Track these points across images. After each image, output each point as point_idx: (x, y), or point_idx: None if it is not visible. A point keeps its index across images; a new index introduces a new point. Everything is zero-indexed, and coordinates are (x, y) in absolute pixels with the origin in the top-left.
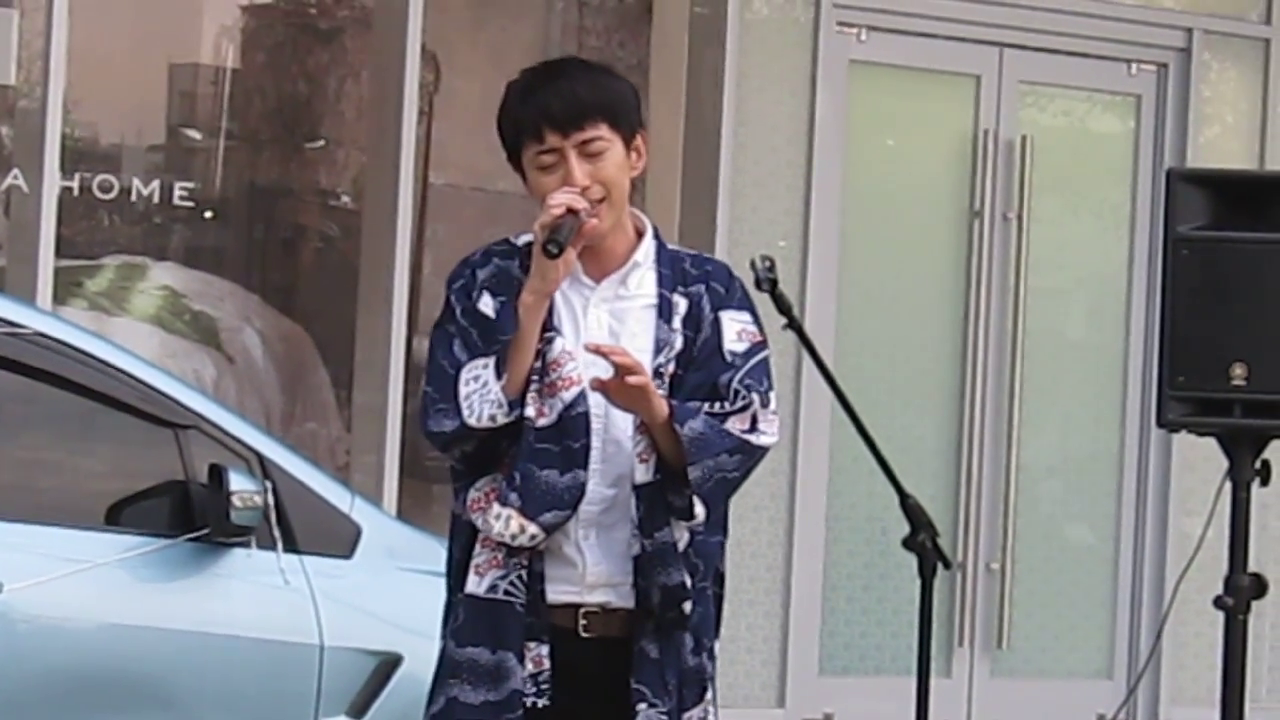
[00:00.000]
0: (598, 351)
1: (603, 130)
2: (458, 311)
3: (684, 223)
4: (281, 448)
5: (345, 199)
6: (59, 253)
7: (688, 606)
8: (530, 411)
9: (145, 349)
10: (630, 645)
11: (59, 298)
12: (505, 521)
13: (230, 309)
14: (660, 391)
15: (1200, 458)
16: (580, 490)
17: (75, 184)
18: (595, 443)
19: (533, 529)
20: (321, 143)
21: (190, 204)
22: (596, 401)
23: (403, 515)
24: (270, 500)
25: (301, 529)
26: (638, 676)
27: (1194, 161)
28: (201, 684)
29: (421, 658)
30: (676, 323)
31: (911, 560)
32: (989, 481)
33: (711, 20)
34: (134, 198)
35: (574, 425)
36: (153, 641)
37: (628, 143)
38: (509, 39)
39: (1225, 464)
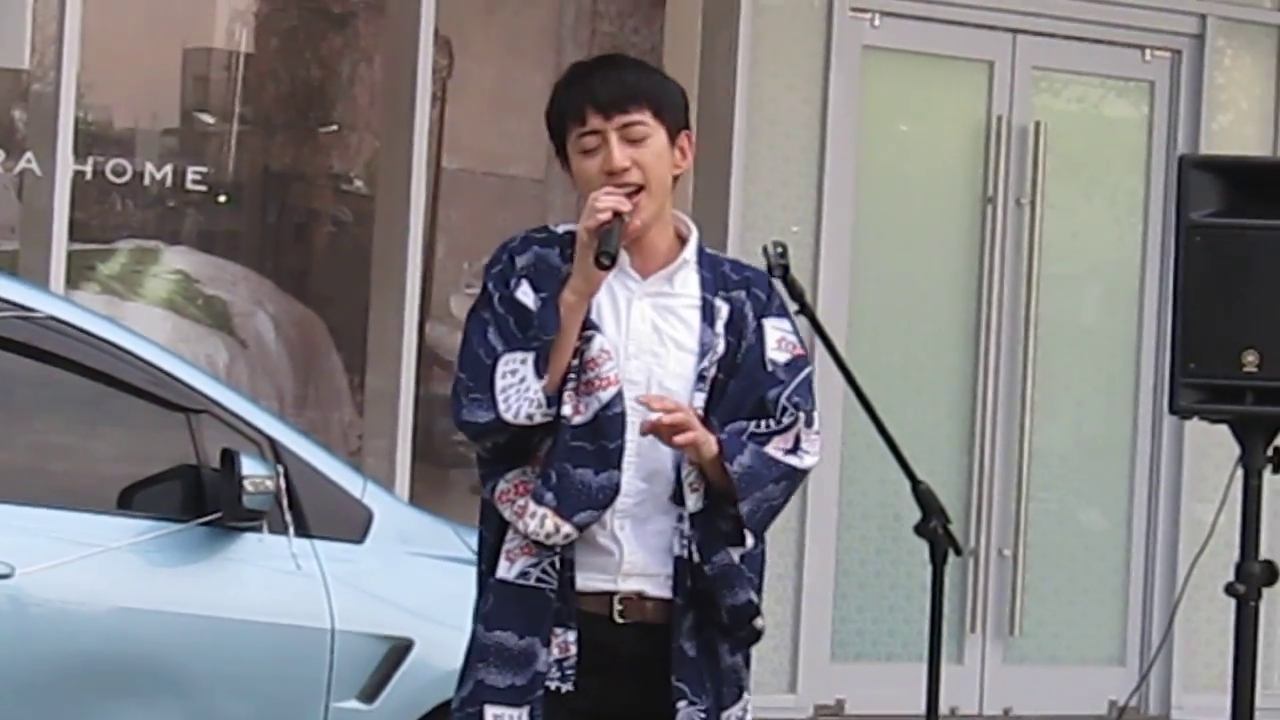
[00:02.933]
0: (648, 407)
1: (646, 116)
2: (495, 299)
3: (697, 208)
4: (293, 432)
5: (358, 184)
6: (72, 237)
7: (759, 623)
8: (566, 409)
9: (158, 333)
10: (665, 632)
11: (72, 282)
12: (541, 521)
13: (243, 293)
14: (701, 395)
15: (1213, 444)
16: (614, 490)
17: (88, 168)
18: (630, 438)
19: (567, 528)
20: (335, 127)
21: (203, 188)
22: (632, 399)
23: (415, 500)
24: (282, 485)
25: (313, 514)
26: (678, 674)
27: (1207, 148)
28: (213, 668)
29: (433, 643)
30: (719, 327)
31: (923, 545)
32: (1001, 467)
33: (725, 5)
34: (147, 182)
35: (610, 425)
36: (164, 626)
37: (672, 137)
38: (522, 23)
39: (1238, 450)
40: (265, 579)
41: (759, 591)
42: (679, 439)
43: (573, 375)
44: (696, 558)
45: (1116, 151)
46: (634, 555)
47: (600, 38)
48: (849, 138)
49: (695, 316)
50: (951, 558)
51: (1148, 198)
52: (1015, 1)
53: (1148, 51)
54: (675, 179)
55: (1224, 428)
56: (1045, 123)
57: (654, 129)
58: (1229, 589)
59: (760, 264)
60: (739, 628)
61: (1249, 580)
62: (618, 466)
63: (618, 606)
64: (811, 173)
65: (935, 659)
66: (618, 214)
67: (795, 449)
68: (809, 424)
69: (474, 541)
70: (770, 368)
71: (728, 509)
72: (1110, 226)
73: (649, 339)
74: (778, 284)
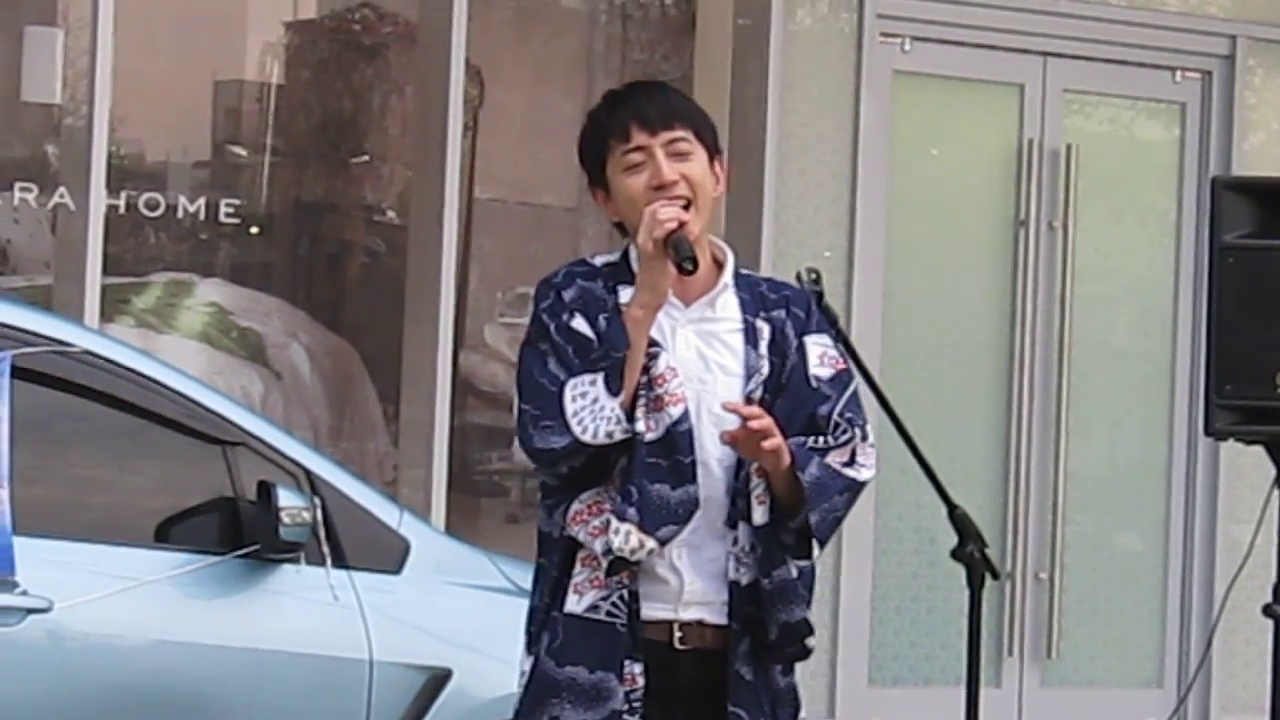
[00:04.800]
0: (737, 413)
1: (689, 134)
2: (552, 329)
3: (730, 234)
4: (329, 463)
5: (390, 214)
6: (106, 270)
7: (811, 641)
8: (640, 426)
9: (193, 366)
10: (721, 658)
11: (106, 315)
12: (625, 537)
13: (277, 325)
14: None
15: (1249, 465)
16: (694, 504)
17: (121, 201)
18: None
19: (651, 543)
20: (366, 158)
21: (236, 220)
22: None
23: (451, 530)
24: (319, 516)
25: (350, 545)
26: (734, 699)
27: (1239, 168)
28: (251, 700)
29: (471, 672)
30: (762, 348)
31: (959, 570)
32: (1037, 490)
33: (755, 32)
34: (180, 215)
35: (680, 441)
36: (202, 658)
37: (709, 160)
38: (553, 53)
39: (1273, 471)
40: (303, 610)
41: (809, 606)
42: (767, 444)
43: (642, 392)
44: (755, 575)
45: (1148, 173)
46: (693, 584)
47: (631, 66)
48: (880, 162)
49: (739, 340)
50: (988, 581)
51: (1180, 219)
52: (1045, 24)
53: (1178, 73)
54: (713, 202)
55: (1260, 448)
56: (1076, 145)
57: (696, 148)
58: (1267, 610)
59: None
60: (789, 644)
61: None
62: (694, 481)
63: (678, 633)
64: (843, 198)
65: (974, 683)
66: (681, 223)
67: (852, 462)
68: (864, 437)
69: (511, 570)
70: (815, 384)
71: (788, 523)
72: (1143, 248)
73: (695, 366)
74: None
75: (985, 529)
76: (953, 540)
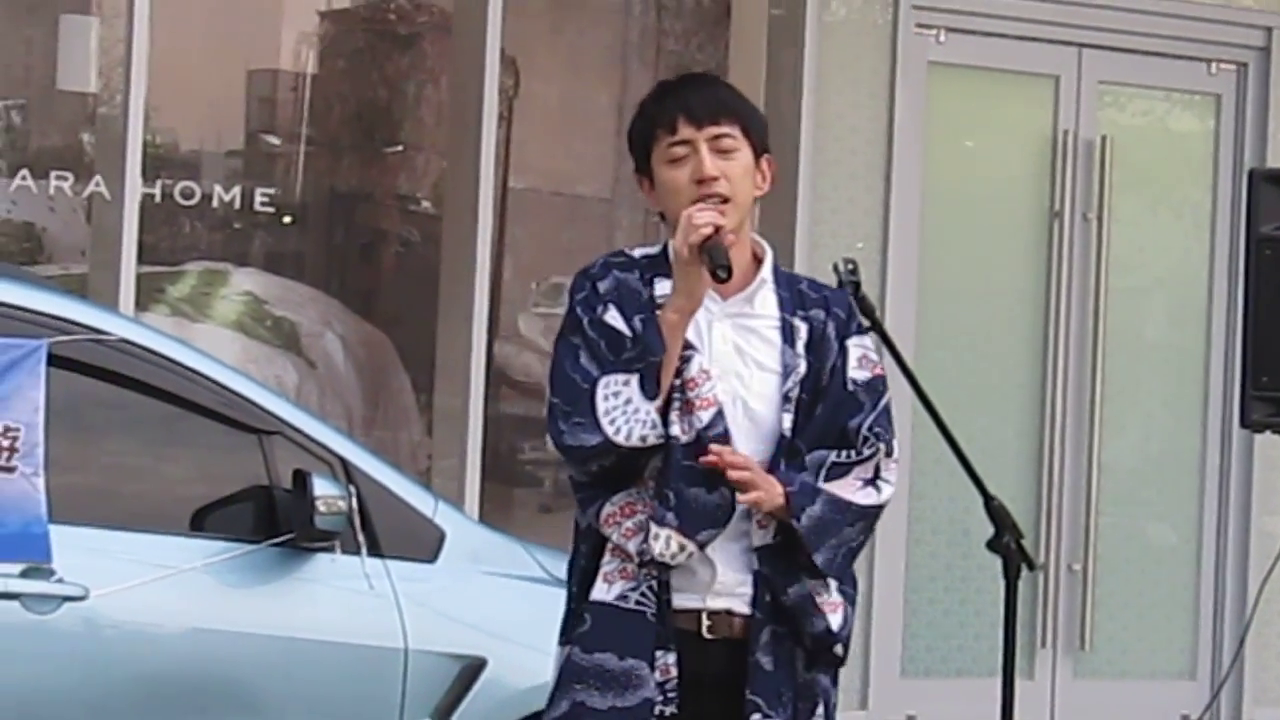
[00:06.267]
0: (720, 459)
1: (735, 131)
2: (585, 323)
3: (764, 226)
4: (364, 452)
5: (425, 204)
6: (141, 259)
7: (839, 649)
8: (674, 430)
9: (227, 354)
10: (747, 648)
11: (141, 304)
12: (666, 542)
13: (311, 314)
14: (788, 417)
15: None
16: (731, 508)
17: (157, 190)
18: None
19: (691, 546)
20: (401, 148)
21: (270, 209)
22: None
23: (485, 519)
24: (354, 505)
25: (385, 534)
26: (753, 687)
27: (1274, 161)
28: (287, 689)
29: (506, 662)
30: (799, 347)
31: (993, 561)
32: (1070, 482)
33: (789, 22)
34: (215, 204)
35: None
36: (238, 646)
37: (755, 158)
38: (588, 43)
39: None
40: (338, 599)
41: (854, 604)
42: (742, 498)
43: (676, 395)
44: (781, 599)
45: (1183, 165)
46: (725, 575)
47: (665, 56)
48: (915, 154)
49: (776, 336)
50: (1023, 573)
51: (1214, 211)
52: (1080, 16)
53: (1213, 65)
54: (755, 200)
55: None
56: (1111, 137)
57: (742, 144)
58: None
59: (830, 281)
60: (819, 652)
61: None
62: (729, 483)
63: (706, 622)
64: (878, 189)
65: (1009, 674)
66: (717, 228)
67: (875, 478)
68: (889, 453)
69: (546, 560)
70: (851, 388)
71: (799, 555)
72: (1177, 240)
73: (732, 360)
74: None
75: (1019, 520)
76: (986, 531)
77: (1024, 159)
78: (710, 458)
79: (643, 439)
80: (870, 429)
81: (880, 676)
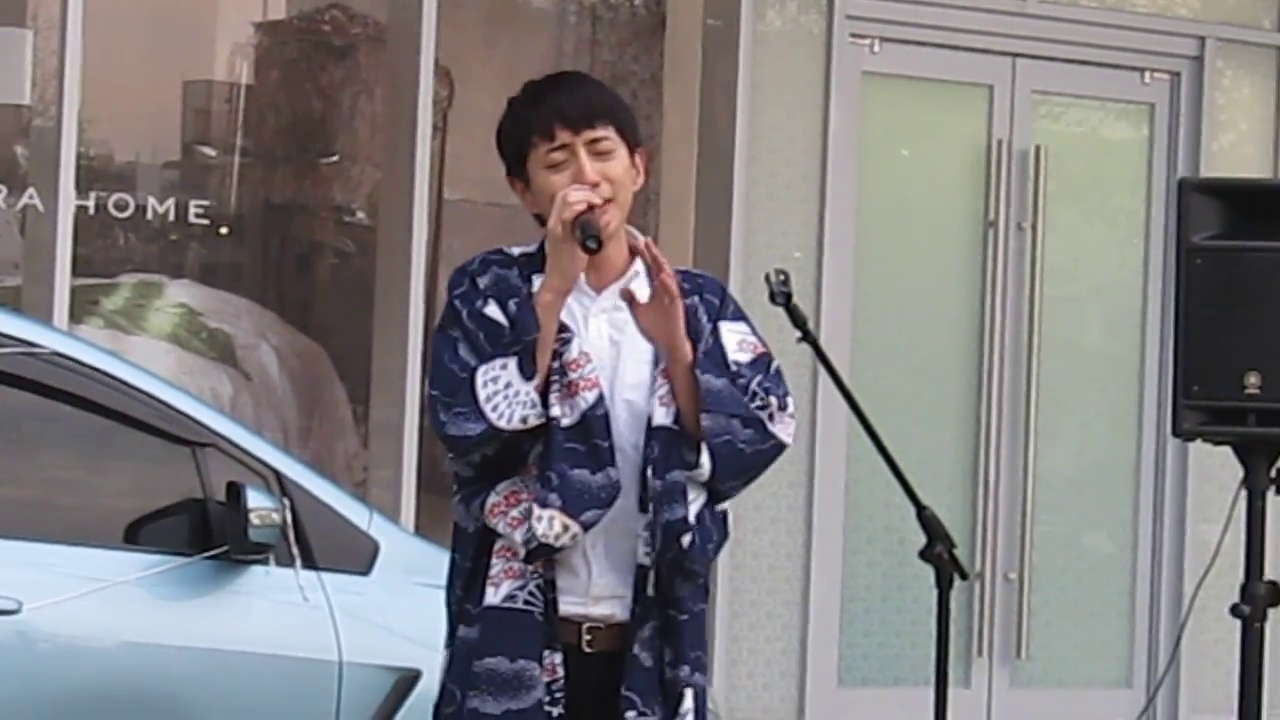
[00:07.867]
0: (648, 250)
1: (610, 132)
2: (463, 315)
3: (698, 235)
4: (299, 465)
5: (360, 215)
6: (75, 271)
7: (685, 539)
8: (555, 411)
9: (162, 367)
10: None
11: (75, 316)
12: (549, 523)
13: (246, 326)
14: (663, 391)
15: (1217, 465)
16: (615, 489)
17: (91, 202)
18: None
19: (575, 527)
20: (336, 159)
21: (206, 221)
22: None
23: (420, 531)
24: (288, 517)
25: (320, 546)
26: (628, 683)
27: (1207, 170)
28: (221, 702)
29: (440, 674)
30: None
31: (930, 570)
32: (1006, 491)
33: (724, 32)
34: (149, 216)
35: (597, 425)
36: (172, 660)
37: (630, 153)
38: (522, 53)
39: (1241, 472)
40: (272, 611)
41: (718, 549)
42: (669, 301)
43: (555, 378)
44: (654, 482)
45: (1117, 174)
46: (602, 577)
47: (599, 66)
48: (850, 163)
49: None
50: (958, 581)
51: (1149, 220)
52: (1014, 25)
53: (1147, 74)
54: (634, 195)
55: (1228, 449)
56: (1045, 146)
57: (617, 144)
58: (1234, 610)
59: (763, 292)
60: (668, 549)
61: (1254, 601)
62: (613, 464)
63: (586, 636)
64: (813, 199)
65: (942, 683)
66: (591, 206)
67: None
68: (782, 408)
69: None
70: (735, 368)
71: (695, 443)
72: (1112, 249)
73: (607, 353)
74: (732, 291)
75: (954, 529)
76: (921, 540)
77: (959, 169)
78: (643, 247)
79: (524, 420)
80: (760, 385)
81: (817, 686)
